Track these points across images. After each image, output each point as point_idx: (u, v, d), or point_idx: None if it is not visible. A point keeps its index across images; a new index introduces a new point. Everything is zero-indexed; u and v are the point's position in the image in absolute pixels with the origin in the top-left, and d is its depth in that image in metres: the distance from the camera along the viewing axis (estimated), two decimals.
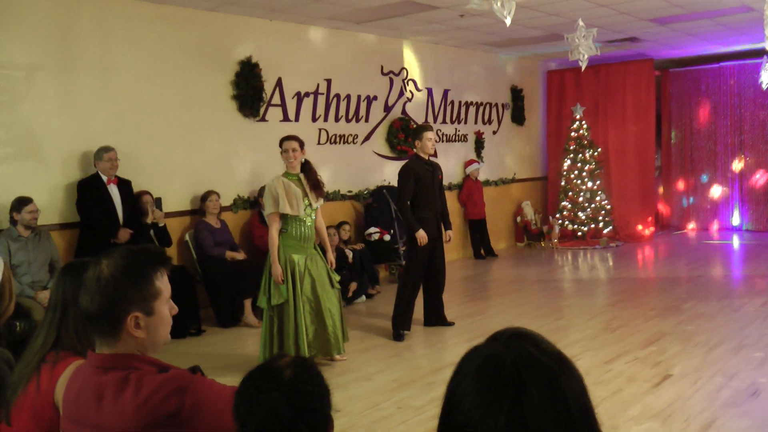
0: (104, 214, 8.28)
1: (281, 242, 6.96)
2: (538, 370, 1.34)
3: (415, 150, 8.50)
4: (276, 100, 10.53)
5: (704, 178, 16.84)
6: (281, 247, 6.95)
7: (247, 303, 9.04)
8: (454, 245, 13.75)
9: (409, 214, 8.23)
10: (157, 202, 8.94)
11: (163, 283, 2.36)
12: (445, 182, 13.39)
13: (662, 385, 6.31)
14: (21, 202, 7.54)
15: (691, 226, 17.01)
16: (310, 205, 7.08)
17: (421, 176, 8.25)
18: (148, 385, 2.20)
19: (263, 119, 10.37)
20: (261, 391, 1.92)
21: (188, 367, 2.41)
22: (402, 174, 8.34)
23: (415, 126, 12.35)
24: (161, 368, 2.30)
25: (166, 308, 2.39)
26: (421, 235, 8.10)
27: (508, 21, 6.36)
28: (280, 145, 7.31)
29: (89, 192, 8.26)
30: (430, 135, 8.32)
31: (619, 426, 5.42)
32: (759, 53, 13.97)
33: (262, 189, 8.18)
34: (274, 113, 10.54)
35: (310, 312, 6.95)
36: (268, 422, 1.88)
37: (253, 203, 10.16)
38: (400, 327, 8.28)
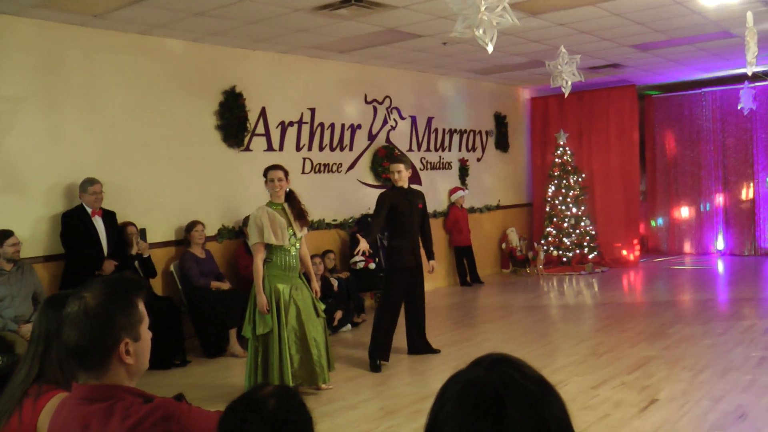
0: (89, 246, 8.24)
1: (266, 272, 6.95)
2: (519, 394, 1.34)
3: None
4: (260, 129, 10.55)
5: (689, 202, 16.92)
6: (266, 277, 6.94)
7: (233, 333, 9.00)
8: (440, 273, 13.74)
9: (374, 229, 8.34)
10: (142, 233, 8.91)
11: (143, 308, 2.37)
12: (430, 210, 13.41)
13: (649, 409, 6.31)
14: (2, 236, 7.48)
15: (676, 250, 17.06)
16: (294, 234, 7.07)
17: (397, 204, 8.24)
18: (134, 414, 2.20)
19: (247, 149, 10.38)
20: (245, 422, 1.91)
21: (173, 395, 2.40)
22: (378, 201, 8.38)
23: (398, 154, 12.40)
24: (146, 398, 2.30)
25: (148, 333, 2.40)
26: (363, 245, 8.00)
27: (490, 48, 6.37)
28: (265, 175, 7.30)
29: (74, 224, 8.22)
30: (399, 167, 8.32)
31: None
32: (740, 78, 14.12)
33: (247, 219, 8.14)
34: (259, 143, 10.55)
35: (295, 341, 6.91)
36: None
37: (238, 233, 10.14)
38: (377, 357, 8.20)
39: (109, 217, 8.51)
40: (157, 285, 9.15)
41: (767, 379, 7.06)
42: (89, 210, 8.29)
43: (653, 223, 17.48)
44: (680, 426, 5.87)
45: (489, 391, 1.35)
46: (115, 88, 8.92)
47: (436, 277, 13.69)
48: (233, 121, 10.06)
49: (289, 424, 1.93)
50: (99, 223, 8.39)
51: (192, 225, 9.38)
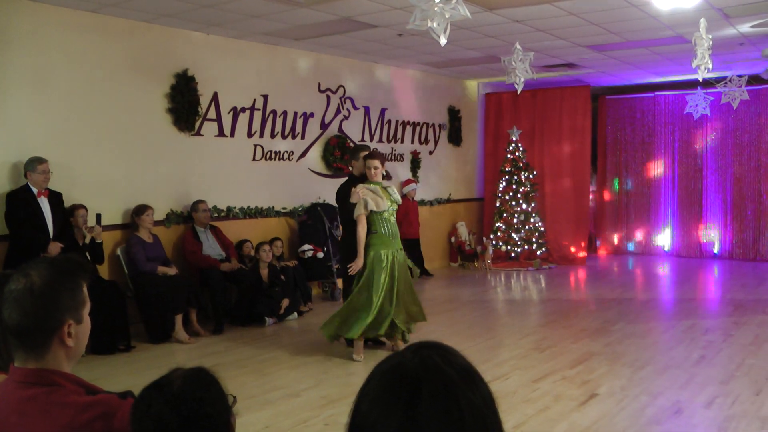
0: (34, 228, 8.09)
1: (370, 241, 7.78)
2: (437, 378, 1.34)
3: (351, 169, 8.53)
4: (212, 114, 10.47)
5: (638, 203, 17.14)
6: (370, 246, 7.76)
7: (179, 318, 8.90)
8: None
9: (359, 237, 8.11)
10: (98, 218, 8.75)
11: (86, 292, 2.33)
12: None
13: (588, 403, 6.39)
14: None
15: (623, 249, 17.28)
16: (392, 205, 7.95)
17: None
18: (73, 405, 2.15)
19: (198, 134, 10.30)
20: (150, 405, 1.90)
21: (118, 391, 2.36)
22: (337, 194, 8.52)
23: (353, 145, 12.39)
24: (89, 390, 2.25)
25: (89, 318, 2.36)
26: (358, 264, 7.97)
27: (443, 41, 6.40)
28: (357, 158, 8.18)
29: (18, 204, 8.06)
30: (375, 163, 8.04)
31: None
32: (694, 84, 14.32)
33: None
34: (210, 128, 10.47)
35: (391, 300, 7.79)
36: None
37: (186, 218, 10.05)
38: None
39: (55, 198, 8.36)
40: (103, 269, 9.03)
41: (705, 377, 7.19)
42: (35, 190, 8.13)
43: (610, 226, 17.64)
44: (618, 420, 5.95)
45: (408, 372, 1.35)
46: (63, 66, 8.78)
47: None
48: (185, 104, 9.97)
49: (193, 401, 1.91)
50: (45, 204, 8.23)
51: (141, 209, 9.27)
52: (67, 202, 8.59)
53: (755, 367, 7.57)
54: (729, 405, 6.36)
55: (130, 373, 7.48)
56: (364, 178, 8.18)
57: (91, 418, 2.13)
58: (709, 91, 14.44)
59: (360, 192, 7.79)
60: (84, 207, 8.69)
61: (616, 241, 17.47)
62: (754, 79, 13.35)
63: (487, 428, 1.35)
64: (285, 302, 10.07)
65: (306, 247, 11.30)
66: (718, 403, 6.41)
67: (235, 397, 2.05)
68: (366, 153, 8.14)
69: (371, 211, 7.76)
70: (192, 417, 1.89)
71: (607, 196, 17.54)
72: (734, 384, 6.97)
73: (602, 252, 17.38)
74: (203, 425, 1.90)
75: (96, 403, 2.18)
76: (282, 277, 10.21)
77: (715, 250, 16.20)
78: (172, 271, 9.24)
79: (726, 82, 13.23)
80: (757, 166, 15.66)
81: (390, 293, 7.78)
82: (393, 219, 7.95)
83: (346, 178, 8.75)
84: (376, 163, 8.06)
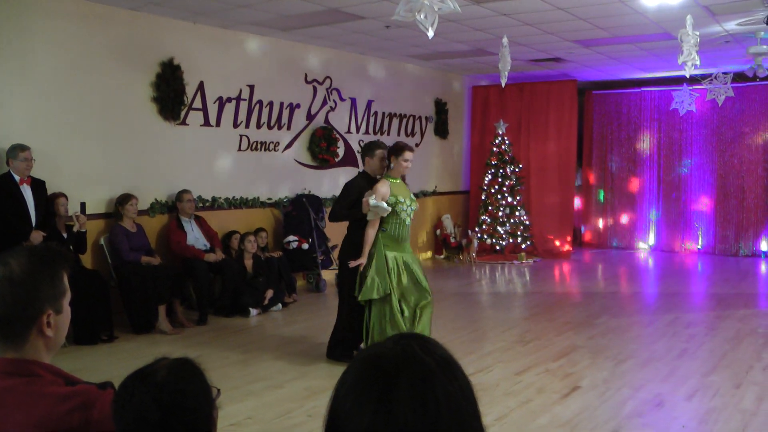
0: (16, 216, 8.02)
1: (379, 240, 7.27)
2: (414, 367, 1.34)
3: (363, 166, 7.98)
4: (197, 104, 10.43)
5: (623, 198, 17.20)
6: (379, 245, 7.26)
7: (162, 309, 8.88)
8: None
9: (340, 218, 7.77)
10: (82, 207, 8.68)
11: (67, 282, 2.31)
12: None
13: (571, 396, 6.41)
14: None
15: (608, 244, 17.34)
16: (410, 205, 7.42)
17: (363, 194, 7.56)
18: (51, 396, 2.13)
19: (184, 123, 10.25)
20: (133, 395, 1.89)
21: (99, 381, 2.34)
22: (342, 191, 7.88)
23: (338, 136, 12.39)
24: (68, 381, 2.23)
25: (68, 308, 2.34)
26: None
27: (430, 33, 6.39)
28: (398, 153, 7.36)
29: (0, 192, 8.01)
30: (407, 155, 7.50)
31: None
32: (680, 80, 14.40)
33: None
34: (195, 117, 10.43)
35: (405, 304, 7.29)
36: (136, 424, 1.85)
37: (171, 207, 10.02)
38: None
39: (38, 186, 8.27)
40: (85, 258, 8.97)
41: (686, 370, 7.25)
42: (17, 178, 8.06)
43: (595, 220, 17.69)
44: (600, 412, 5.98)
45: (387, 361, 1.35)
46: (47, 53, 8.71)
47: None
48: (170, 93, 9.92)
49: (176, 393, 1.90)
50: (27, 192, 8.15)
51: (125, 198, 9.21)
52: (50, 191, 8.50)
53: (736, 360, 7.63)
54: (710, 398, 6.41)
55: (113, 363, 7.44)
56: (372, 177, 7.68)
57: (69, 409, 2.11)
58: (694, 87, 14.48)
59: (381, 191, 7.21)
60: (64, 195, 8.61)
61: (600, 235, 17.52)
62: (739, 77, 13.40)
63: (464, 419, 1.34)
64: (269, 293, 10.07)
65: (291, 238, 11.28)
66: (699, 396, 6.46)
67: (218, 390, 2.04)
68: (396, 147, 7.46)
69: (392, 208, 7.26)
70: (174, 408, 1.88)
71: (592, 190, 17.59)
72: (715, 377, 7.03)
73: (587, 246, 17.43)
74: (185, 417, 1.89)
75: (75, 394, 2.16)
76: (266, 267, 10.20)
77: (699, 246, 16.29)
78: (155, 261, 9.19)
79: (711, 79, 13.27)
80: (741, 163, 15.75)
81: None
82: (409, 220, 7.41)
83: (357, 173, 8.21)
84: (412, 155, 7.55)
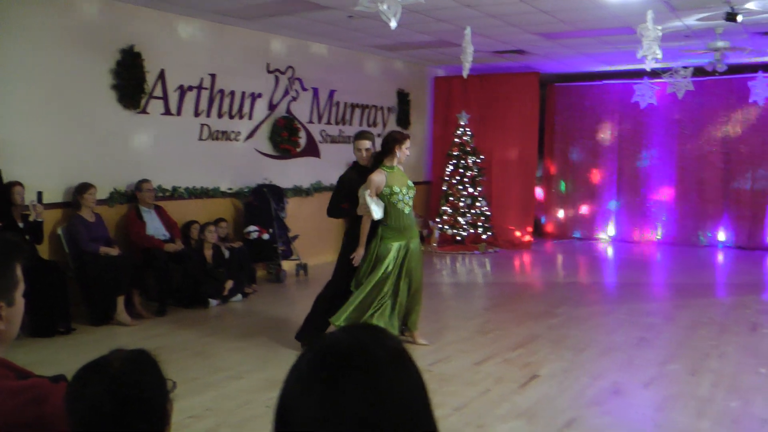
0: None
1: (381, 233, 7.41)
2: (363, 357, 1.33)
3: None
4: (158, 92, 10.32)
5: (584, 189, 17.34)
6: (382, 238, 7.40)
7: (121, 300, 8.77)
8: (336, 246, 13.72)
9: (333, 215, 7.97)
10: (38, 196, 8.54)
11: (20, 273, 2.27)
12: (327, 183, 13.41)
13: (530, 385, 6.46)
14: None
15: (569, 235, 17.47)
16: (408, 194, 7.57)
17: (354, 189, 7.63)
18: (2, 390, 2.08)
19: (144, 111, 10.14)
20: (86, 386, 1.86)
21: (52, 375, 2.30)
22: (336, 185, 7.99)
23: (299, 126, 12.34)
24: (20, 374, 2.19)
25: (22, 300, 2.29)
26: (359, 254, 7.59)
27: (393, 24, 6.39)
28: (402, 143, 7.52)
29: None
30: (408, 143, 7.68)
31: (486, 425, 5.51)
32: (641, 74, 14.54)
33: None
34: (156, 106, 10.33)
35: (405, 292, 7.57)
36: (88, 415, 1.83)
37: (130, 197, 9.91)
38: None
39: None
40: (42, 248, 8.82)
41: (644, 359, 7.34)
42: None
43: (556, 211, 17.82)
44: (559, 401, 6.02)
45: (337, 351, 1.34)
46: (4, 39, 8.55)
47: (331, 251, 13.69)
48: (130, 81, 9.80)
49: (131, 386, 1.87)
50: None
51: (84, 187, 9.08)
52: (5, 179, 8.34)
53: (693, 349, 7.73)
54: (667, 385, 6.52)
55: (71, 356, 7.33)
56: (363, 167, 7.73)
57: (21, 403, 2.07)
58: (655, 81, 14.63)
59: (376, 180, 7.32)
60: (21, 184, 8.45)
61: (561, 226, 17.65)
62: (699, 71, 13.54)
63: (412, 412, 1.33)
64: (229, 284, 10.01)
65: (251, 228, 11.23)
66: (657, 384, 6.56)
67: (174, 383, 2.02)
68: (399, 137, 7.58)
69: (388, 200, 7.36)
70: (128, 400, 1.85)
71: (553, 181, 17.71)
72: (672, 365, 7.14)
73: (547, 237, 17.54)
74: (138, 409, 1.87)
75: (27, 388, 2.11)
76: (226, 257, 10.15)
77: (658, 236, 16.48)
78: (114, 251, 9.08)
79: (672, 73, 13.41)
80: (700, 155, 15.95)
81: (396, 284, 7.49)
82: (408, 209, 7.54)
83: (350, 165, 8.25)
84: (409, 143, 7.70)
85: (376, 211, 7.26)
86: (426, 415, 1.37)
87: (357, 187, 7.52)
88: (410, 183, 7.63)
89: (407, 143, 7.57)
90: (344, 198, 7.64)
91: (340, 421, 1.27)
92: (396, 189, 7.35)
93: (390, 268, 7.37)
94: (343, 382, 1.29)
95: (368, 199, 7.20)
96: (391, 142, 7.49)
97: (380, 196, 7.35)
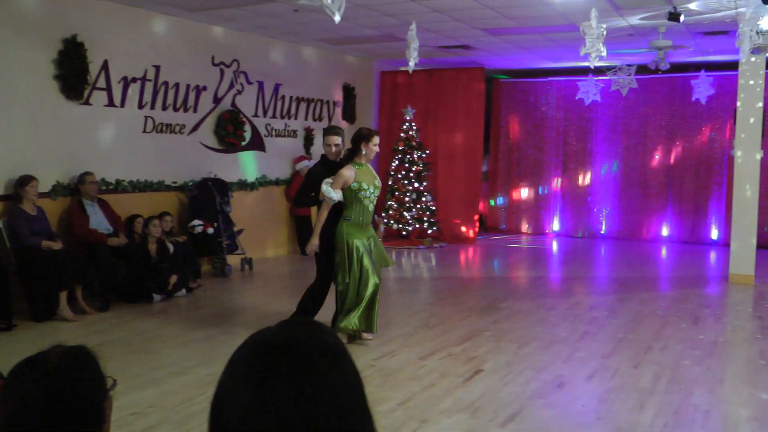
0: None
1: (344, 228, 7.44)
2: (296, 354, 1.31)
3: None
4: (101, 83, 10.17)
5: (528, 185, 17.52)
6: (344, 234, 7.43)
7: (63, 295, 8.63)
8: (281, 241, 13.75)
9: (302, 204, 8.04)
10: None
11: None
12: (272, 177, 13.37)
13: (473, 379, 6.50)
14: None
15: (514, 230, 17.64)
16: (374, 192, 7.64)
17: (321, 181, 7.62)
18: None
19: (87, 102, 10.00)
20: (21, 382, 1.84)
21: None
22: (304, 179, 8.11)
23: (244, 119, 12.28)
24: None
25: None
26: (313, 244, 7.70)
27: (337, 18, 6.38)
28: (369, 139, 7.59)
29: None
30: (376, 140, 7.72)
31: (430, 419, 5.54)
32: (586, 71, 14.74)
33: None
34: (99, 97, 10.18)
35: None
36: (22, 411, 1.80)
37: (73, 190, 9.77)
38: None
39: None
40: None
41: (587, 352, 7.44)
42: None
43: (492, 202, 18.00)
44: (502, 395, 6.07)
45: (269, 346, 1.33)
46: None
47: (277, 246, 13.67)
48: (73, 71, 9.65)
49: (66, 382, 1.85)
50: None
51: (25, 180, 8.90)
52: None
53: (636, 341, 7.86)
54: (609, 378, 6.60)
55: (11, 353, 7.17)
56: (331, 162, 7.81)
57: None
58: (599, 78, 14.84)
59: (345, 175, 7.38)
60: None
61: (507, 221, 17.80)
62: (642, 69, 13.75)
63: (344, 410, 1.30)
64: (173, 278, 9.92)
65: (196, 222, 11.14)
66: (599, 376, 6.64)
67: (115, 380, 1.99)
68: (365, 133, 7.66)
69: (355, 195, 7.41)
70: (62, 396, 1.83)
71: (498, 176, 17.83)
72: (615, 358, 7.24)
73: (492, 232, 17.68)
74: (73, 406, 1.84)
75: None
76: (171, 252, 10.05)
77: (602, 231, 16.72)
78: (57, 245, 8.94)
79: (616, 71, 13.60)
80: (644, 152, 16.23)
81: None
82: (372, 206, 7.62)
83: (316, 160, 8.31)
84: (378, 139, 7.75)
85: (334, 195, 7.35)
86: (361, 413, 1.35)
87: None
88: (377, 182, 7.71)
89: (375, 139, 7.62)
90: (312, 190, 7.75)
91: (268, 418, 1.25)
92: (364, 186, 7.44)
93: (365, 260, 7.45)
94: (273, 381, 1.27)
95: (326, 188, 7.34)
96: (358, 139, 7.59)
97: (348, 190, 7.42)
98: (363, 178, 7.46)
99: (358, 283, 7.43)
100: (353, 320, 7.44)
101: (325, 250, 7.70)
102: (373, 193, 7.55)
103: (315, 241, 7.59)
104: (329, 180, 7.41)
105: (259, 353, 1.32)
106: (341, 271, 7.48)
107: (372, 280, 7.44)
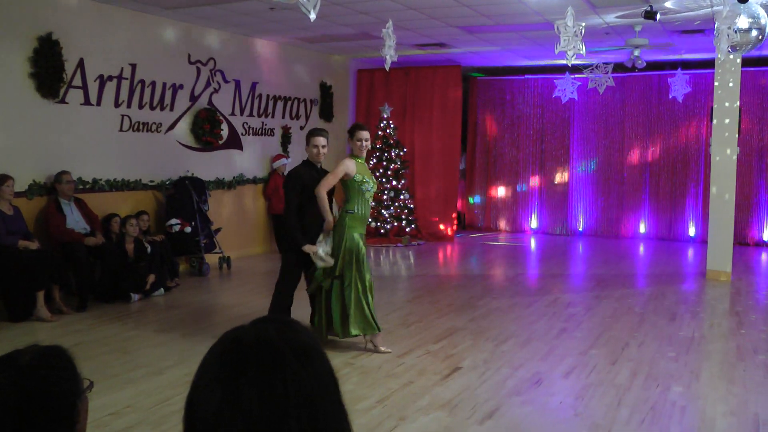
0: None
1: (347, 222, 7.32)
2: (267, 354, 1.32)
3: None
4: (77, 81, 10.11)
5: (506, 183, 17.58)
6: (346, 228, 7.30)
7: (40, 295, 8.58)
8: (258, 239, 13.72)
9: (292, 225, 7.50)
10: None
11: None
12: (250, 176, 13.34)
13: (451, 376, 6.53)
14: None
15: (492, 227, 17.70)
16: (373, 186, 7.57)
17: (307, 184, 7.51)
18: None
19: (63, 101, 9.93)
20: None
21: None
22: (287, 181, 7.76)
23: (221, 118, 12.27)
24: None
25: None
26: (309, 248, 7.42)
27: (312, 16, 6.36)
28: (352, 134, 7.57)
29: None
30: (363, 134, 7.56)
31: (408, 416, 5.56)
32: (563, 69, 14.82)
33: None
34: (75, 95, 10.12)
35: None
36: None
37: (50, 189, 9.70)
38: None
39: None
40: None
41: (565, 349, 7.49)
42: None
43: (471, 200, 18.05)
44: (480, 392, 6.10)
45: (241, 345, 1.33)
46: None
47: (255, 244, 13.65)
48: (48, 70, 9.57)
49: (39, 381, 1.84)
50: None
51: (1, 179, 8.83)
52: None
53: (613, 338, 7.91)
54: (586, 374, 6.64)
55: None
56: (314, 164, 7.67)
57: None
58: (576, 76, 14.92)
59: (349, 166, 7.34)
60: None
61: (484, 219, 17.86)
62: (619, 67, 13.82)
63: (316, 409, 1.31)
64: (151, 278, 9.88)
65: (173, 221, 11.10)
66: (576, 373, 6.68)
67: (91, 382, 1.98)
68: (351, 128, 7.65)
69: (358, 188, 7.34)
70: (34, 394, 1.82)
71: (476, 174, 17.89)
72: (592, 355, 7.29)
73: (470, 229, 17.74)
74: (45, 404, 1.83)
75: None
76: (148, 251, 10.01)
77: (580, 228, 16.81)
78: (33, 245, 8.89)
79: (592, 69, 13.68)
80: (621, 149, 16.34)
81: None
82: (372, 200, 7.64)
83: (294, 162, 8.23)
84: (367, 135, 7.60)
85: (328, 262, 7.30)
86: (334, 411, 1.36)
87: (310, 182, 7.43)
88: (374, 179, 7.68)
89: (358, 134, 7.48)
90: (297, 191, 7.47)
91: (238, 417, 1.26)
92: (366, 179, 7.41)
93: (362, 254, 7.39)
94: (243, 379, 1.28)
95: (320, 253, 7.31)
96: (348, 134, 7.67)
97: (351, 182, 7.34)
98: (363, 171, 7.45)
99: (359, 283, 7.35)
100: (361, 325, 7.35)
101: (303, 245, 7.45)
102: (373, 188, 7.53)
103: (330, 220, 7.40)
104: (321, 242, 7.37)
105: (230, 351, 1.33)
106: (347, 270, 7.32)
107: (367, 278, 7.41)
